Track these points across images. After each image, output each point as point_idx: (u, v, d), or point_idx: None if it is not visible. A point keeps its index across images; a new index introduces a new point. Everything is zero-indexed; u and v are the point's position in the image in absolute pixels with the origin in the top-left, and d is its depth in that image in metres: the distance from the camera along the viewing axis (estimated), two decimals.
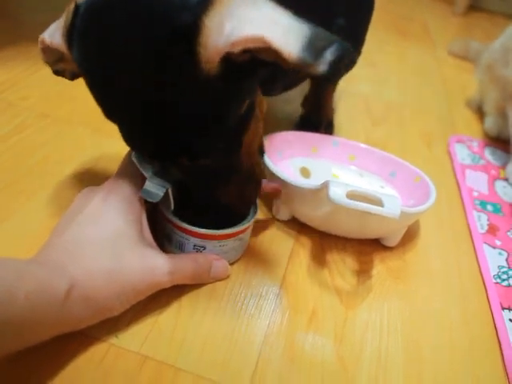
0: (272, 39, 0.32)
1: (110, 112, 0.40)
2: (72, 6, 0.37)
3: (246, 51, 0.33)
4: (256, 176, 0.49)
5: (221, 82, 0.36)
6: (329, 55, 0.32)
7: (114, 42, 0.35)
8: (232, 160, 0.44)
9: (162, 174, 0.44)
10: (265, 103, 0.49)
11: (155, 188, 0.43)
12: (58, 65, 0.45)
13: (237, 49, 0.33)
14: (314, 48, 0.32)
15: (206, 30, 0.33)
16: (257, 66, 0.36)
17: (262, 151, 0.52)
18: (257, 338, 0.44)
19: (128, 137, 0.41)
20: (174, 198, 0.45)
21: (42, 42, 0.42)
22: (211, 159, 0.42)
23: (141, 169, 0.44)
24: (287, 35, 0.32)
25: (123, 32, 0.35)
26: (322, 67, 0.32)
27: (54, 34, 0.41)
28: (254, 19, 0.33)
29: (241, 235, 0.49)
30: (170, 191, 0.44)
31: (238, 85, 0.38)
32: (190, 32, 0.33)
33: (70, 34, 0.38)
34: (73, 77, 0.46)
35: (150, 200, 0.43)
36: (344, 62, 0.32)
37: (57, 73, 0.46)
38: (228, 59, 0.34)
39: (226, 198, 0.46)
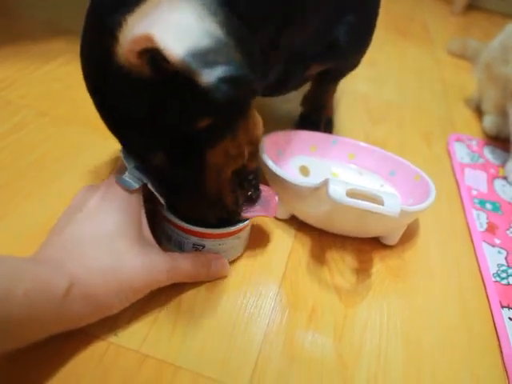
0: (159, 39, 0.31)
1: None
2: None
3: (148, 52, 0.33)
4: (225, 206, 0.46)
5: (153, 87, 0.36)
6: (219, 71, 0.30)
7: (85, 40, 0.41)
8: (192, 174, 0.43)
9: (144, 168, 0.45)
10: (258, 129, 0.46)
11: (133, 179, 0.44)
12: None
13: (135, 47, 0.33)
14: (203, 58, 0.30)
15: (124, 28, 0.34)
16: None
17: (248, 181, 0.47)
18: (256, 336, 0.44)
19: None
20: (163, 195, 0.46)
21: None
22: (161, 162, 0.42)
23: (124, 160, 0.45)
24: (179, 39, 0.31)
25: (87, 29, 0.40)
26: (206, 78, 0.30)
27: None
28: (160, 19, 0.32)
29: (240, 234, 0.49)
30: (150, 186, 0.45)
31: (180, 97, 0.36)
32: (112, 28, 0.35)
33: None
34: None
35: (126, 187, 0.43)
36: (237, 86, 0.31)
37: None
38: (155, 63, 0.34)
39: (185, 208, 0.46)
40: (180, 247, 0.48)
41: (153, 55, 0.33)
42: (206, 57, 0.30)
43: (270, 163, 0.55)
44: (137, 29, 0.33)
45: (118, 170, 0.46)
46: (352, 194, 0.47)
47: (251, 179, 0.48)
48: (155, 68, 0.34)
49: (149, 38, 0.31)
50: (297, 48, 0.52)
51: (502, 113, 0.87)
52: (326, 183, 0.47)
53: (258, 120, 0.45)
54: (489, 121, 0.93)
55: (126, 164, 0.45)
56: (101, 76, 0.39)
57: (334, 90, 0.76)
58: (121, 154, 0.46)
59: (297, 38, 0.51)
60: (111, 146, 0.65)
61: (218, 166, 0.43)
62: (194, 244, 0.47)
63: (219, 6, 0.35)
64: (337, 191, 0.46)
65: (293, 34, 0.49)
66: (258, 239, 0.55)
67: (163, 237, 0.48)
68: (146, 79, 0.35)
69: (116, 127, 0.43)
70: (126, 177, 0.44)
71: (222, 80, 0.30)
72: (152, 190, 0.45)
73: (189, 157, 0.42)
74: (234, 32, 0.35)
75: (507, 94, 0.84)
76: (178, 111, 0.37)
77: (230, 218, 0.47)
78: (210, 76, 0.30)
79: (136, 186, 0.44)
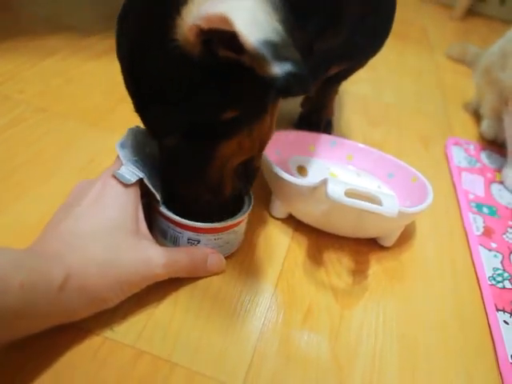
0: (236, 21, 0.31)
1: (117, 55, 0.42)
2: None
3: (219, 39, 0.33)
4: (223, 195, 0.47)
5: (198, 68, 0.36)
6: (288, 65, 0.30)
7: (127, 3, 0.40)
8: (199, 161, 0.44)
9: (140, 164, 0.46)
10: (272, 127, 0.47)
11: (128, 174, 0.44)
12: None
13: (204, 25, 0.33)
14: (276, 51, 0.31)
15: (190, 3, 0.34)
16: (247, 77, 0.35)
17: (248, 179, 0.49)
18: (252, 334, 0.44)
19: (123, 78, 0.42)
20: (159, 190, 0.46)
21: None
22: (172, 139, 0.42)
23: (120, 155, 0.45)
24: (253, 27, 0.31)
25: None
26: (276, 69, 0.30)
27: None
28: (234, 2, 0.32)
29: (235, 228, 0.49)
30: (146, 181, 0.45)
31: (219, 85, 0.37)
32: (177, 1, 0.35)
33: None
34: None
35: (122, 181, 0.43)
36: (298, 83, 0.31)
37: None
38: (209, 46, 0.34)
39: (184, 194, 0.46)
40: (175, 242, 0.47)
41: (210, 38, 0.34)
42: (276, 50, 0.31)
43: (269, 162, 0.55)
44: (208, 7, 0.33)
45: (115, 164, 0.46)
46: (350, 194, 0.47)
47: (250, 174, 0.48)
48: (207, 50, 0.35)
49: (224, 20, 0.31)
50: (324, 51, 0.52)
51: (500, 117, 0.87)
52: (324, 183, 0.47)
53: (274, 119, 0.46)
54: (487, 125, 0.93)
55: (122, 159, 0.45)
56: (145, 45, 0.38)
57: (335, 92, 0.76)
58: (117, 149, 0.46)
59: (328, 42, 0.51)
60: (109, 141, 0.64)
61: (226, 157, 0.43)
62: (189, 239, 0.47)
63: (281, 4, 0.36)
64: (335, 191, 0.46)
65: (327, 38, 0.50)
66: (255, 238, 0.55)
67: (158, 232, 0.48)
68: (192, 59, 0.35)
69: (144, 102, 0.41)
70: (123, 171, 0.44)
71: (290, 75, 0.30)
72: (147, 184, 0.45)
73: (201, 144, 0.42)
74: (290, 33, 0.34)
75: (502, 100, 0.84)
76: (212, 98, 0.38)
77: (220, 209, 0.48)
78: (280, 68, 0.30)
79: (132, 180, 0.44)
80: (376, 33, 0.62)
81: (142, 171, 0.45)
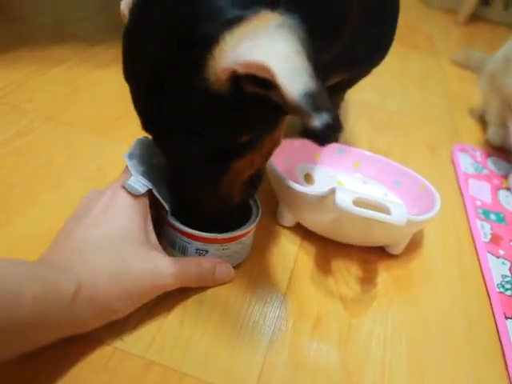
0: (278, 73, 0.31)
1: (126, 74, 0.41)
2: None
3: (250, 77, 0.33)
4: (232, 205, 0.47)
5: (223, 101, 0.36)
6: (326, 116, 0.31)
7: (144, 22, 0.38)
8: (211, 177, 0.44)
9: (148, 175, 0.46)
10: (280, 139, 0.47)
11: (138, 184, 0.44)
12: None
13: (242, 70, 0.33)
14: (315, 101, 0.31)
15: (222, 45, 0.34)
16: (263, 104, 0.35)
17: (254, 184, 0.50)
18: (261, 343, 0.44)
19: (133, 99, 0.42)
20: (167, 200, 0.46)
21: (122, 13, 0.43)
22: (186, 161, 0.42)
23: (128, 166, 0.45)
24: (294, 76, 0.32)
25: (155, 18, 0.37)
26: (316, 122, 0.31)
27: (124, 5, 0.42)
28: (270, 49, 0.33)
29: (243, 238, 0.49)
30: (155, 192, 0.45)
31: (239, 114, 0.38)
32: (208, 41, 0.34)
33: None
34: None
35: (132, 192, 0.44)
36: (334, 132, 0.32)
37: None
38: (237, 84, 0.35)
39: (190, 201, 0.47)
40: (184, 252, 0.48)
41: (238, 76, 0.34)
42: (315, 101, 0.31)
43: (277, 171, 0.55)
44: (245, 53, 0.33)
45: (123, 174, 0.46)
46: (358, 202, 0.47)
47: (256, 180, 0.49)
48: (235, 86, 0.35)
49: (265, 70, 0.32)
50: (325, 61, 0.52)
51: (506, 124, 0.87)
52: (332, 192, 0.48)
53: (282, 130, 0.46)
54: (493, 132, 0.93)
55: (131, 169, 0.45)
56: (169, 76, 0.37)
57: (341, 99, 0.76)
58: (125, 159, 0.46)
59: (330, 53, 0.52)
60: (117, 151, 0.65)
61: (238, 172, 0.44)
62: (197, 249, 0.47)
63: (306, 35, 0.35)
64: (344, 200, 0.46)
65: (330, 51, 0.50)
66: (264, 247, 0.55)
67: (167, 242, 0.49)
68: (219, 94, 0.36)
69: (162, 130, 0.41)
70: (132, 182, 0.44)
71: (328, 126, 0.31)
72: (156, 195, 0.45)
73: (214, 164, 0.42)
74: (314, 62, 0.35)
75: (507, 106, 0.84)
76: (232, 125, 0.39)
77: (228, 219, 0.48)
78: (319, 122, 0.31)
79: (141, 191, 0.44)
80: (379, 42, 0.62)
81: (151, 182, 0.45)
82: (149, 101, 0.39)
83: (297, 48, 0.33)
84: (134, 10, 0.39)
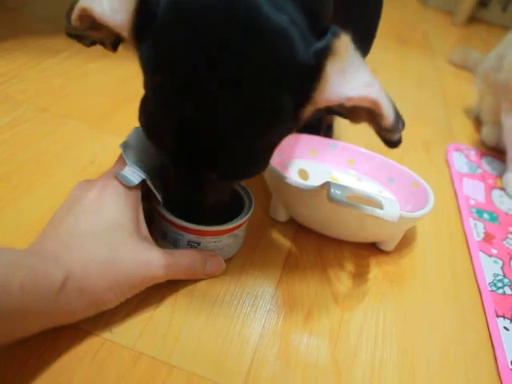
0: (382, 104, 0.36)
1: (166, 103, 0.37)
2: None
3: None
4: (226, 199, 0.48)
5: (291, 128, 0.39)
6: (401, 125, 0.38)
7: (215, 48, 0.33)
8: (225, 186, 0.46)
9: (143, 165, 0.45)
10: None
11: (132, 175, 0.44)
12: (94, 34, 0.40)
13: (348, 103, 0.35)
14: (398, 122, 0.38)
15: (325, 77, 0.34)
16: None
17: None
18: (252, 337, 0.44)
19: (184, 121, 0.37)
20: (160, 192, 0.46)
21: (84, 10, 0.37)
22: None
23: (124, 155, 0.45)
24: (389, 106, 0.37)
25: (234, 45, 0.33)
26: (397, 136, 0.40)
27: (107, 10, 0.36)
28: (362, 80, 0.35)
29: (235, 231, 0.48)
30: (149, 183, 0.45)
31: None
32: (310, 73, 0.34)
33: (144, 23, 0.35)
34: (115, 47, 0.42)
35: (125, 184, 0.43)
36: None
37: (90, 43, 0.43)
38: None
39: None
40: (175, 244, 0.47)
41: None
42: (397, 121, 0.39)
43: (271, 165, 0.55)
44: (353, 89, 0.35)
45: (116, 165, 0.46)
46: (352, 197, 0.47)
47: None
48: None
49: (374, 103, 0.36)
50: None
51: (500, 124, 0.87)
52: (326, 186, 0.47)
53: None
54: (487, 131, 0.93)
55: (126, 159, 0.45)
56: (250, 97, 0.35)
57: None
58: (120, 149, 0.46)
59: None
60: (111, 142, 0.65)
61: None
62: (189, 241, 0.47)
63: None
64: (337, 194, 0.46)
65: None
66: (256, 241, 0.55)
67: (158, 234, 0.48)
68: (299, 118, 0.37)
69: (211, 155, 0.38)
70: (126, 172, 0.44)
71: (401, 137, 0.41)
72: (150, 186, 0.45)
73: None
74: None
75: (500, 102, 0.85)
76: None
77: (221, 212, 0.48)
78: (398, 134, 0.40)
79: (135, 182, 0.43)
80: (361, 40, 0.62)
81: (145, 172, 0.45)
82: (211, 124, 0.36)
83: (367, 69, 0.36)
84: (174, 36, 0.34)
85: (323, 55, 0.34)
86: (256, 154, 0.40)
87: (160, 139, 0.39)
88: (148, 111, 0.39)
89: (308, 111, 0.36)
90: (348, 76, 0.35)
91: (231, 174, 0.40)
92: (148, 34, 0.35)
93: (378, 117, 0.37)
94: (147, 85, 0.38)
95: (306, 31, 0.35)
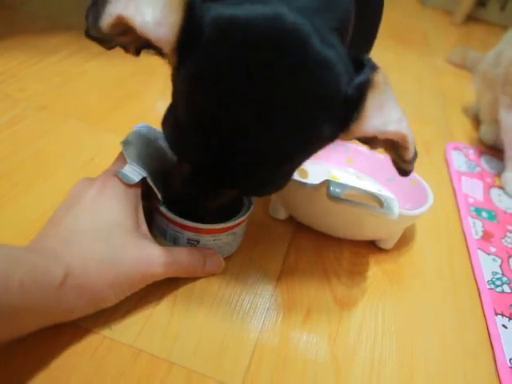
0: (410, 140, 0.38)
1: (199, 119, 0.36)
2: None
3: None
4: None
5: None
6: (414, 155, 0.41)
7: (260, 74, 0.34)
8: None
9: (143, 163, 0.45)
10: None
11: (132, 173, 0.44)
12: (120, 38, 0.38)
13: (382, 137, 0.37)
14: (416, 155, 0.41)
15: (365, 110, 0.36)
16: None
17: None
18: (251, 334, 0.44)
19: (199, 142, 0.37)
20: (162, 191, 0.46)
21: (121, 18, 0.34)
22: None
23: (124, 153, 0.45)
24: (412, 139, 0.39)
25: (280, 73, 0.34)
26: (412, 166, 0.42)
27: (150, 22, 0.34)
28: (397, 115, 0.38)
29: (235, 230, 0.48)
30: (149, 181, 0.45)
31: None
32: (352, 106, 0.36)
33: (188, 40, 0.34)
34: (138, 52, 0.40)
35: (126, 182, 0.43)
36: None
37: (112, 47, 0.40)
38: None
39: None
40: (175, 242, 0.47)
41: None
42: (416, 154, 0.41)
43: None
44: (384, 121, 0.37)
45: (116, 163, 0.46)
46: (351, 195, 0.47)
47: None
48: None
49: (404, 137, 0.38)
50: None
51: (498, 121, 0.87)
52: (326, 183, 0.47)
53: None
54: (486, 130, 0.93)
55: (127, 157, 0.45)
56: (293, 125, 0.35)
57: None
58: (121, 147, 0.45)
59: None
60: (109, 141, 0.65)
61: None
62: (188, 239, 0.47)
63: None
64: (337, 192, 0.46)
65: None
66: (256, 239, 0.55)
67: (158, 231, 0.48)
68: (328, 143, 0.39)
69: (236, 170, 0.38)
70: (126, 170, 0.44)
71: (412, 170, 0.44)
72: (150, 184, 0.45)
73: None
74: None
75: (497, 100, 0.85)
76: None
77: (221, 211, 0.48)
78: (412, 165, 0.42)
79: (135, 179, 0.43)
80: (367, 37, 0.62)
81: (146, 170, 0.45)
82: (247, 145, 0.36)
83: (398, 105, 0.38)
84: (221, 57, 0.34)
85: (364, 89, 0.35)
86: (283, 174, 0.41)
87: (187, 152, 0.39)
88: (177, 123, 0.38)
89: (341, 138, 0.38)
90: (385, 110, 0.37)
91: (255, 191, 0.42)
92: (191, 51, 0.34)
93: (402, 149, 0.39)
94: (180, 99, 0.37)
95: (349, 64, 0.37)
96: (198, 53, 0.34)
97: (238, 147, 0.36)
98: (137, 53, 0.40)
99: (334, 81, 0.35)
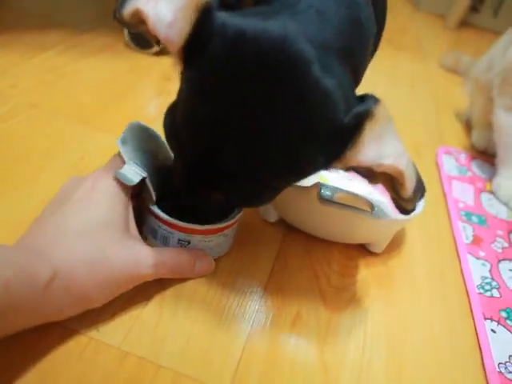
0: (407, 177, 0.37)
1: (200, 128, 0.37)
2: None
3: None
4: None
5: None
6: (420, 194, 0.40)
7: (259, 96, 0.34)
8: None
9: (140, 162, 0.45)
10: None
11: (131, 173, 0.43)
12: (142, 26, 0.38)
13: (378, 169, 0.37)
14: (416, 195, 0.40)
15: (362, 140, 0.35)
16: None
17: None
18: (240, 337, 0.44)
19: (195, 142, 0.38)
20: (155, 190, 0.45)
21: (138, 12, 0.36)
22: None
23: (122, 152, 0.44)
24: (411, 177, 0.38)
25: (276, 99, 0.34)
26: (412, 205, 0.41)
27: (162, 22, 0.35)
28: (395, 149, 0.37)
29: (226, 231, 0.48)
30: (148, 181, 0.44)
31: None
32: (349, 135, 0.35)
33: (196, 47, 0.35)
34: (158, 41, 0.43)
35: (125, 183, 0.43)
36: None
37: (136, 32, 0.41)
38: None
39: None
40: (165, 243, 0.47)
41: None
42: (416, 194, 0.40)
43: None
44: (378, 151, 0.36)
45: (110, 163, 0.46)
46: (342, 198, 0.47)
47: None
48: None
49: (400, 173, 0.37)
50: None
51: (491, 127, 0.88)
52: (316, 186, 0.47)
53: None
54: (478, 135, 0.94)
55: (125, 156, 0.44)
56: (289, 146, 0.36)
57: None
58: (118, 145, 0.45)
59: None
60: (101, 139, 0.64)
61: None
62: (179, 240, 0.47)
63: None
64: (327, 195, 0.46)
65: None
66: (246, 241, 0.54)
67: (149, 232, 0.48)
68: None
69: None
70: (125, 171, 0.43)
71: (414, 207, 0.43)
72: (148, 184, 0.44)
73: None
74: None
75: (490, 106, 0.85)
76: None
77: (212, 212, 0.48)
78: (412, 205, 0.42)
79: (135, 180, 0.43)
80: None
81: (143, 169, 0.44)
82: (239, 158, 0.37)
83: (399, 139, 0.38)
84: (224, 73, 0.35)
85: (362, 119, 0.35)
86: (273, 191, 0.41)
87: (182, 150, 0.40)
88: (174, 120, 0.39)
89: (335, 166, 0.38)
90: (384, 142, 0.36)
91: (241, 200, 0.42)
92: (196, 57, 0.35)
93: (399, 186, 0.39)
94: (180, 97, 0.39)
95: (351, 93, 0.37)
96: (202, 61, 0.35)
97: (226, 159, 0.36)
98: (157, 42, 0.41)
99: (330, 110, 0.35)
